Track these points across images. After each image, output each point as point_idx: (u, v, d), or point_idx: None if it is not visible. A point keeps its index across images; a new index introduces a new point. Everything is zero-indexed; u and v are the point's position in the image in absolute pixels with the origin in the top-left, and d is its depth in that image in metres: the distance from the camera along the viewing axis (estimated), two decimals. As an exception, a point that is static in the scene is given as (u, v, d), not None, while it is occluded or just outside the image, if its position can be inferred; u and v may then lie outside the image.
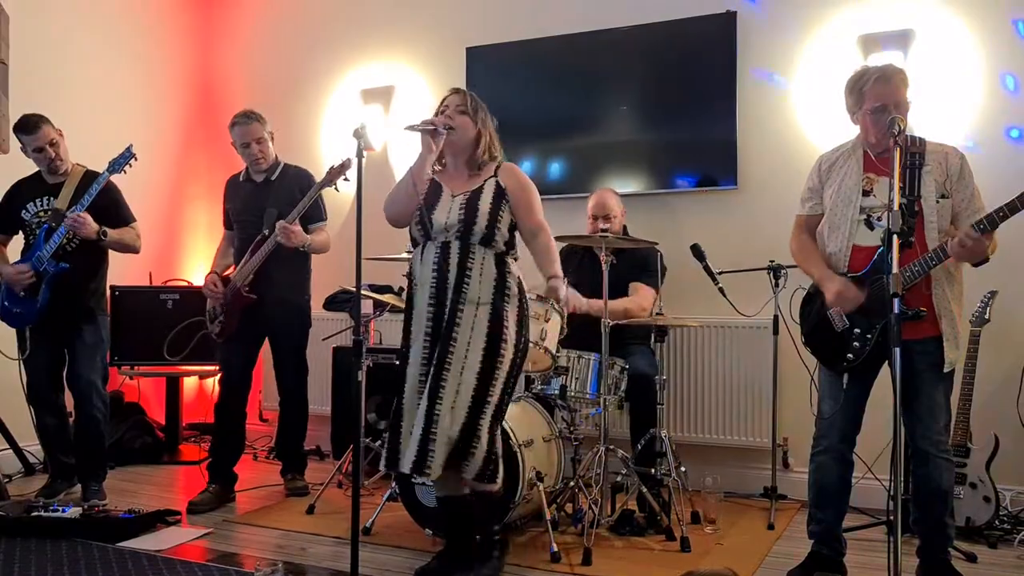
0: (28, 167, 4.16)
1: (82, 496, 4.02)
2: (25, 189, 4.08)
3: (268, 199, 4.03)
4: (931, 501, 2.78)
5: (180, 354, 4.69)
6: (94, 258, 4.07)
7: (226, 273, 4.11)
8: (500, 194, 2.94)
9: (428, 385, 2.80)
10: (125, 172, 3.99)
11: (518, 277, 2.95)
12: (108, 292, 4.26)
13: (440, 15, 5.19)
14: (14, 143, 4.07)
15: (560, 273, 3.01)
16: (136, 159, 3.98)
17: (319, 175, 4.21)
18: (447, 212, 2.92)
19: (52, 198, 4.01)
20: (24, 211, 4.03)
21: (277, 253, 3.94)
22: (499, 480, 2.86)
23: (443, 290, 2.87)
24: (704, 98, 4.41)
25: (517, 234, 3.01)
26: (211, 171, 5.77)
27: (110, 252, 4.14)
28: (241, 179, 4.20)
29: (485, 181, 2.97)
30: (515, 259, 2.99)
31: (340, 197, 4.99)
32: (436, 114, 3.02)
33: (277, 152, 4.20)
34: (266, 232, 3.95)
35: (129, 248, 4.13)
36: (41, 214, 4.00)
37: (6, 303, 3.98)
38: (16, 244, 4.12)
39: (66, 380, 4.09)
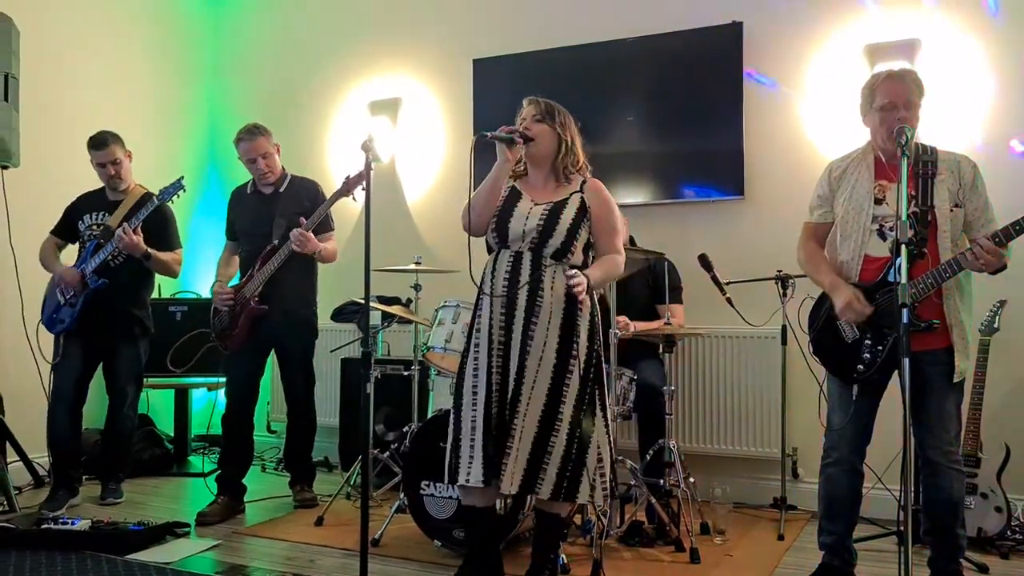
0: (43, 179, 4.21)
1: (100, 495, 4.23)
2: (86, 201, 4.27)
3: (276, 211, 4.05)
4: (942, 512, 2.76)
5: (184, 365, 4.72)
6: (137, 278, 4.21)
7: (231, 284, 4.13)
8: (583, 211, 2.88)
9: (508, 400, 2.77)
10: (173, 202, 4.13)
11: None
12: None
13: (447, 27, 5.21)
14: (26, 157, 4.12)
15: (594, 275, 2.85)
16: (185, 191, 4.10)
17: (327, 187, 4.23)
18: (525, 219, 2.86)
19: (107, 214, 4.17)
20: (80, 222, 4.21)
21: (285, 266, 3.95)
22: (580, 498, 2.79)
23: (513, 303, 2.83)
24: (710, 108, 4.42)
25: (592, 255, 2.94)
26: (217, 183, 5.81)
27: (154, 277, 4.33)
28: (248, 191, 4.22)
29: (571, 195, 2.90)
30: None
31: (348, 208, 5.01)
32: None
33: (285, 164, 4.22)
34: (276, 242, 3.97)
35: (169, 271, 4.28)
36: (94, 227, 4.17)
37: (46, 308, 4.16)
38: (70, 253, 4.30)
39: (106, 388, 4.29)
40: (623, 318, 3.75)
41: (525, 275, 2.83)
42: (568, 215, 2.86)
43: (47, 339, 4.20)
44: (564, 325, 2.80)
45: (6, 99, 3.90)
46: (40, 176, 4.45)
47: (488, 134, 2.86)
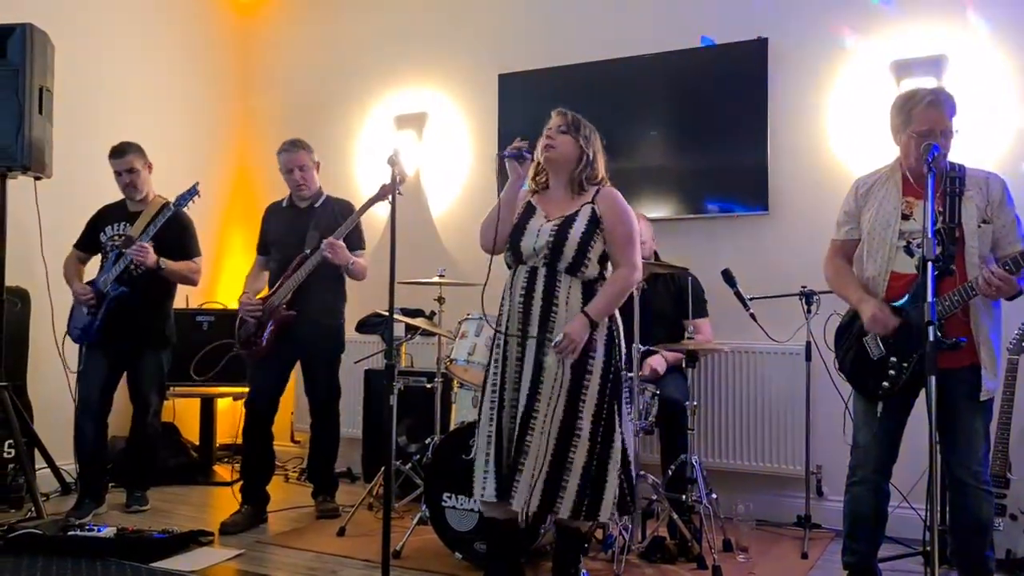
0: (74, 190, 4.32)
1: (126, 503, 4.28)
2: (107, 213, 4.34)
3: (311, 224, 4.10)
4: (969, 533, 2.73)
5: (207, 374, 4.78)
6: (158, 288, 4.25)
7: (258, 296, 4.16)
8: (595, 222, 2.86)
9: (520, 416, 2.78)
10: (189, 207, 4.17)
11: None
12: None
13: (473, 42, 5.25)
14: (59, 167, 4.21)
15: (596, 307, 2.80)
16: (199, 196, 4.13)
17: (354, 200, 4.26)
18: (535, 236, 2.86)
19: (128, 224, 4.23)
20: (102, 233, 4.27)
21: (314, 276, 3.99)
22: (601, 517, 2.79)
23: (529, 318, 2.83)
24: (735, 123, 4.41)
25: (610, 265, 2.92)
26: (246, 196, 5.87)
27: (177, 286, 4.37)
28: (284, 205, 4.29)
29: (582, 207, 2.89)
30: None
31: (372, 220, 5.05)
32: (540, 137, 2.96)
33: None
34: (307, 252, 4.01)
35: (187, 280, 4.32)
36: (116, 238, 4.23)
37: (72, 320, 4.23)
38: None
39: (130, 397, 4.33)
40: (653, 363, 3.78)
41: (539, 290, 2.83)
42: (578, 228, 2.84)
43: (75, 348, 4.25)
44: None
45: (40, 112, 3.99)
46: (72, 187, 4.52)
47: (504, 153, 2.92)
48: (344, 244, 3.96)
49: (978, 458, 2.72)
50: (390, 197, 3.77)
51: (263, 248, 4.31)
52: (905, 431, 2.85)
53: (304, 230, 4.08)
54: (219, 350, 4.73)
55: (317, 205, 4.20)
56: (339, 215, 4.11)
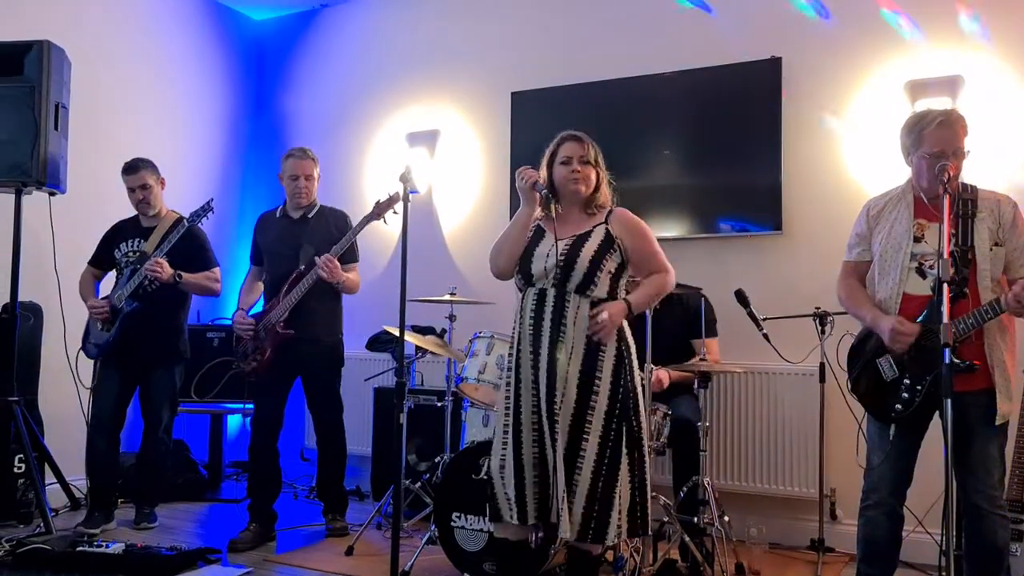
0: (88, 206, 4.37)
1: (135, 519, 4.27)
2: (121, 229, 4.37)
3: (304, 236, 4.11)
4: (985, 559, 2.69)
5: (209, 394, 4.80)
6: (171, 302, 4.27)
7: (252, 311, 4.18)
8: (608, 242, 2.86)
9: (538, 439, 2.76)
10: (201, 223, 4.19)
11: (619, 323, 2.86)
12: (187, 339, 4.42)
13: (486, 60, 5.27)
14: (73, 183, 4.23)
15: (637, 297, 2.88)
16: (213, 212, 4.16)
17: (362, 216, 4.28)
18: (546, 257, 2.84)
19: (143, 240, 4.26)
20: (117, 250, 4.30)
21: (311, 292, 3.99)
22: (607, 540, 2.75)
23: (538, 339, 2.82)
24: (749, 143, 4.41)
25: (622, 285, 2.92)
26: (256, 212, 5.87)
27: (192, 300, 4.40)
28: (277, 215, 4.28)
29: (595, 227, 2.90)
30: None
31: (384, 237, 5.06)
32: (550, 160, 2.96)
33: (325, 192, 4.30)
34: (302, 268, 4.01)
35: (207, 291, 4.35)
36: (130, 255, 4.26)
37: (88, 334, 4.26)
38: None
39: (141, 412, 4.33)
40: (658, 374, 3.75)
41: (548, 311, 2.82)
42: (591, 247, 2.84)
43: (87, 363, 4.27)
44: (586, 360, 2.78)
45: (56, 128, 4.02)
46: (86, 203, 4.55)
47: (540, 190, 2.89)
48: (337, 261, 3.97)
49: (993, 482, 2.69)
50: (388, 214, 3.86)
51: (256, 258, 4.31)
52: (920, 455, 2.82)
53: (297, 241, 4.10)
54: (220, 368, 4.74)
55: (311, 216, 4.21)
56: (333, 226, 4.13)
